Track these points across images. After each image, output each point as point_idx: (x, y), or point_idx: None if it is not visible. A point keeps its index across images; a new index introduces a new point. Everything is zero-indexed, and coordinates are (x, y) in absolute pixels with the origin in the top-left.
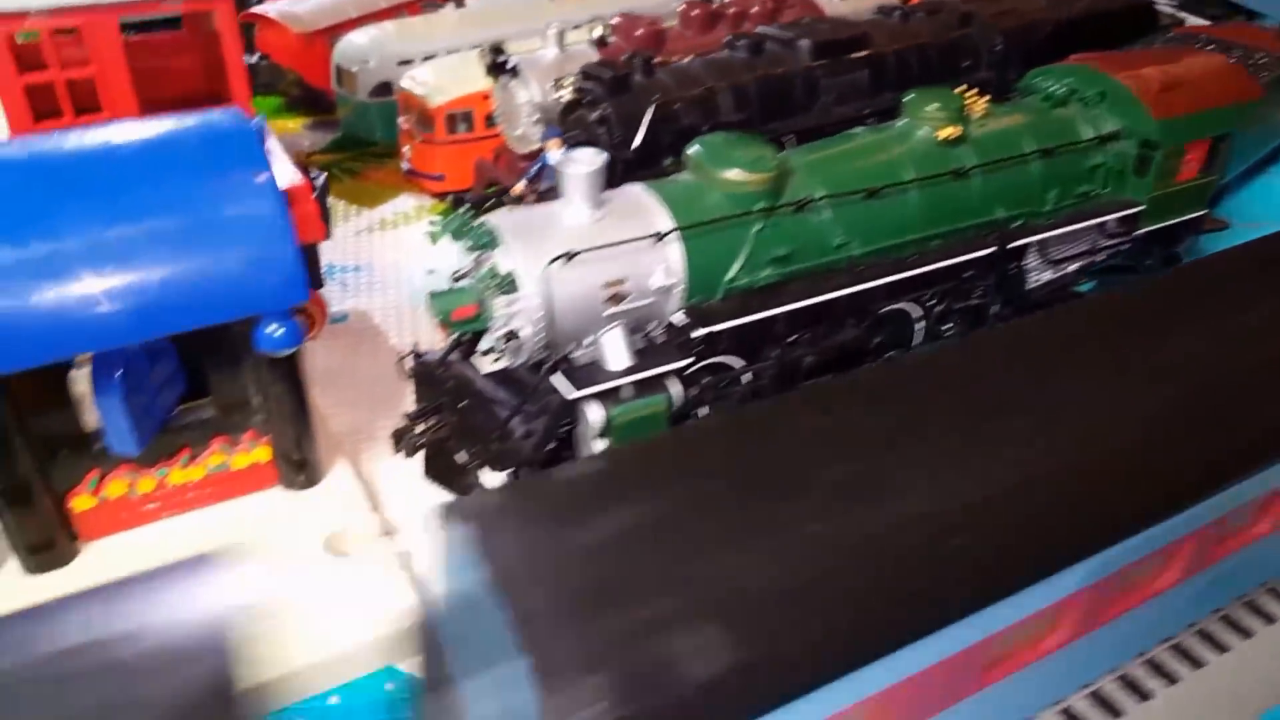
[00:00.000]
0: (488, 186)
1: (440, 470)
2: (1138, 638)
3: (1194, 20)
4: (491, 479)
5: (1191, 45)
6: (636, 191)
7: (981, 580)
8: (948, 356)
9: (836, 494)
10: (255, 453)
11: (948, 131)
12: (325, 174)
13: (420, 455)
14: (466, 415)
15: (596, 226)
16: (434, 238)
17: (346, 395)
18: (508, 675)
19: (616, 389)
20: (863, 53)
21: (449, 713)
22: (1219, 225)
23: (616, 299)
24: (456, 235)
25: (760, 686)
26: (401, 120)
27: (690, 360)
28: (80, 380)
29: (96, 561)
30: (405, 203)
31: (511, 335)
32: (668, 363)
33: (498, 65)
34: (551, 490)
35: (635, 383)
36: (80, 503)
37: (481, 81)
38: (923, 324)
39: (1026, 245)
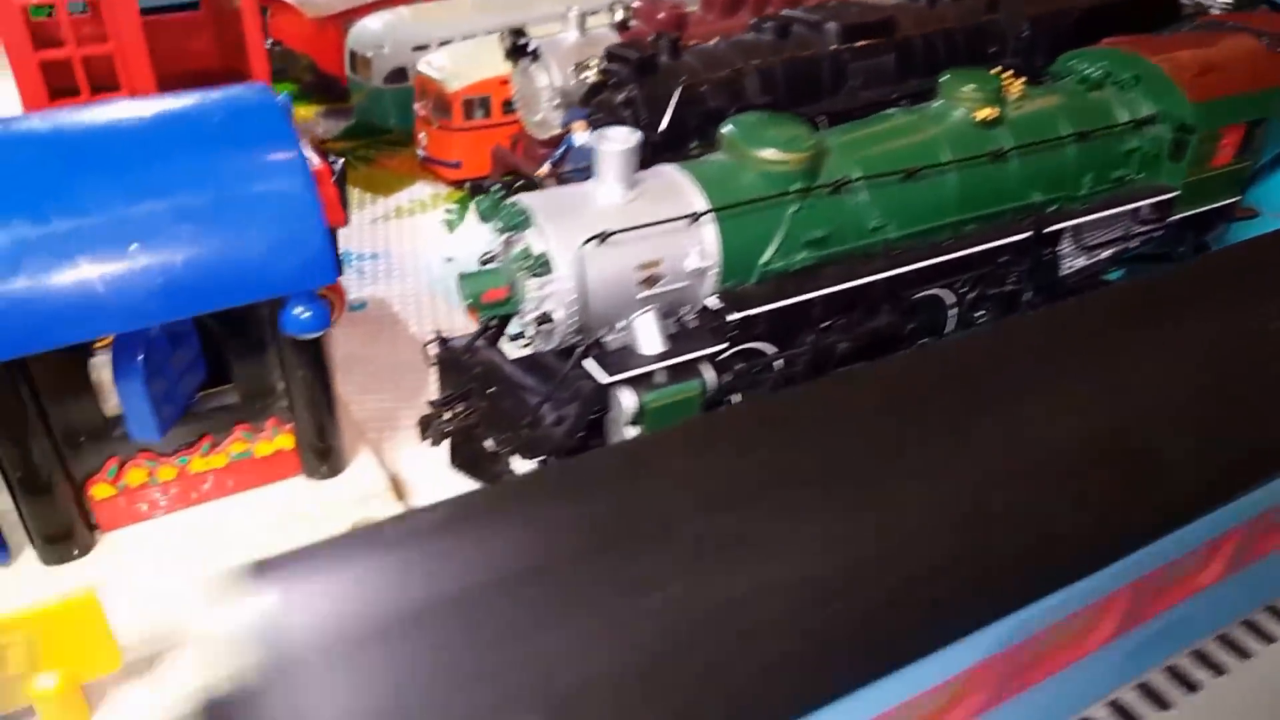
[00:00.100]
0: (505, 174)
1: (467, 459)
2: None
3: (1216, 10)
4: (522, 466)
5: (1220, 31)
6: (669, 171)
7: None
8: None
9: (696, 552)
10: (278, 440)
11: (985, 112)
12: (343, 159)
13: (445, 444)
14: (495, 402)
15: (630, 207)
16: (451, 226)
17: (367, 383)
18: None
19: (649, 375)
20: (890, 37)
21: None
22: (1249, 214)
23: (651, 281)
24: (486, 216)
25: None
26: (418, 106)
27: (725, 345)
28: (101, 365)
29: (114, 553)
30: (421, 190)
31: (544, 318)
32: (702, 348)
33: (518, 48)
34: (363, 552)
35: (668, 369)
36: (99, 491)
37: (499, 66)
38: (955, 310)
39: (1062, 230)
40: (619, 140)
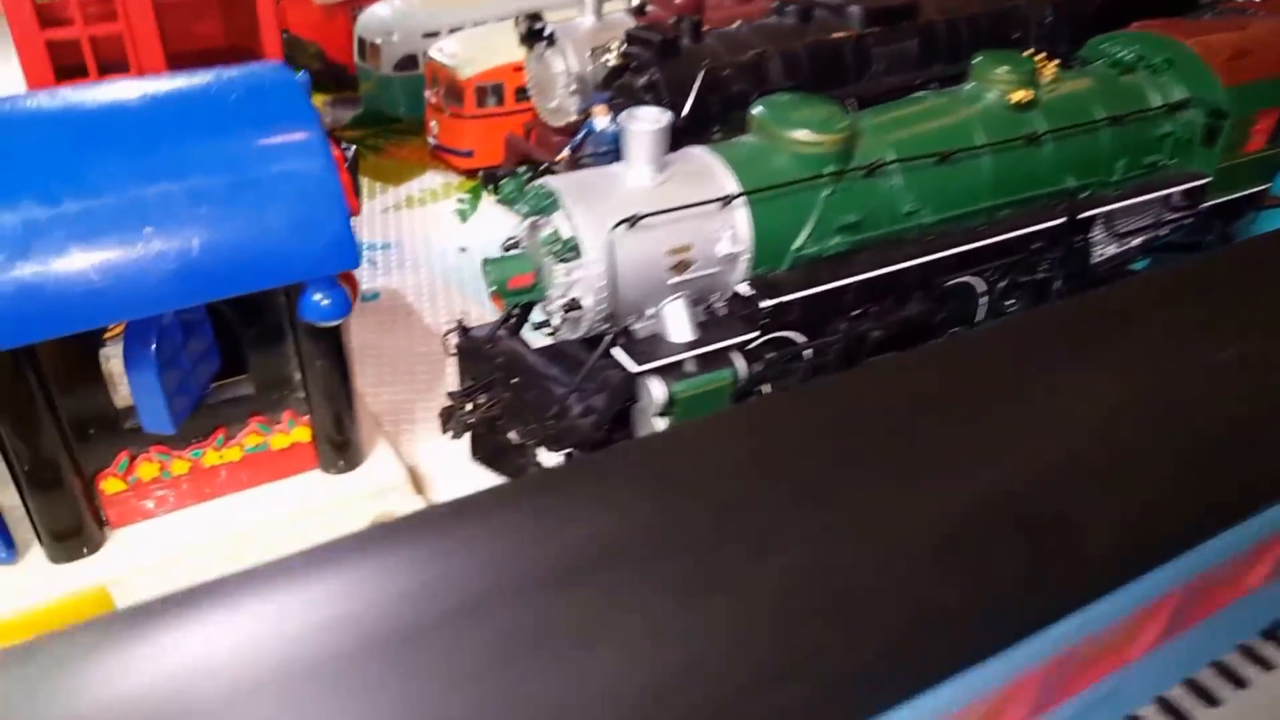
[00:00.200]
0: (519, 162)
1: (489, 451)
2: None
3: None
4: (548, 459)
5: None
6: (699, 153)
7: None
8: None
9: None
10: (295, 433)
11: (1020, 95)
12: (355, 146)
13: (466, 437)
14: (519, 393)
15: (660, 190)
16: (464, 215)
17: (383, 374)
18: None
19: (679, 364)
20: (913, 21)
21: None
22: (1278, 202)
23: (681, 267)
24: (510, 200)
25: None
26: (429, 94)
27: (756, 333)
28: (111, 354)
29: (125, 550)
30: (432, 179)
31: (573, 305)
32: (733, 336)
33: (533, 34)
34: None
35: (698, 358)
36: (109, 485)
37: (512, 53)
38: (986, 299)
39: (1094, 217)
40: (649, 120)
